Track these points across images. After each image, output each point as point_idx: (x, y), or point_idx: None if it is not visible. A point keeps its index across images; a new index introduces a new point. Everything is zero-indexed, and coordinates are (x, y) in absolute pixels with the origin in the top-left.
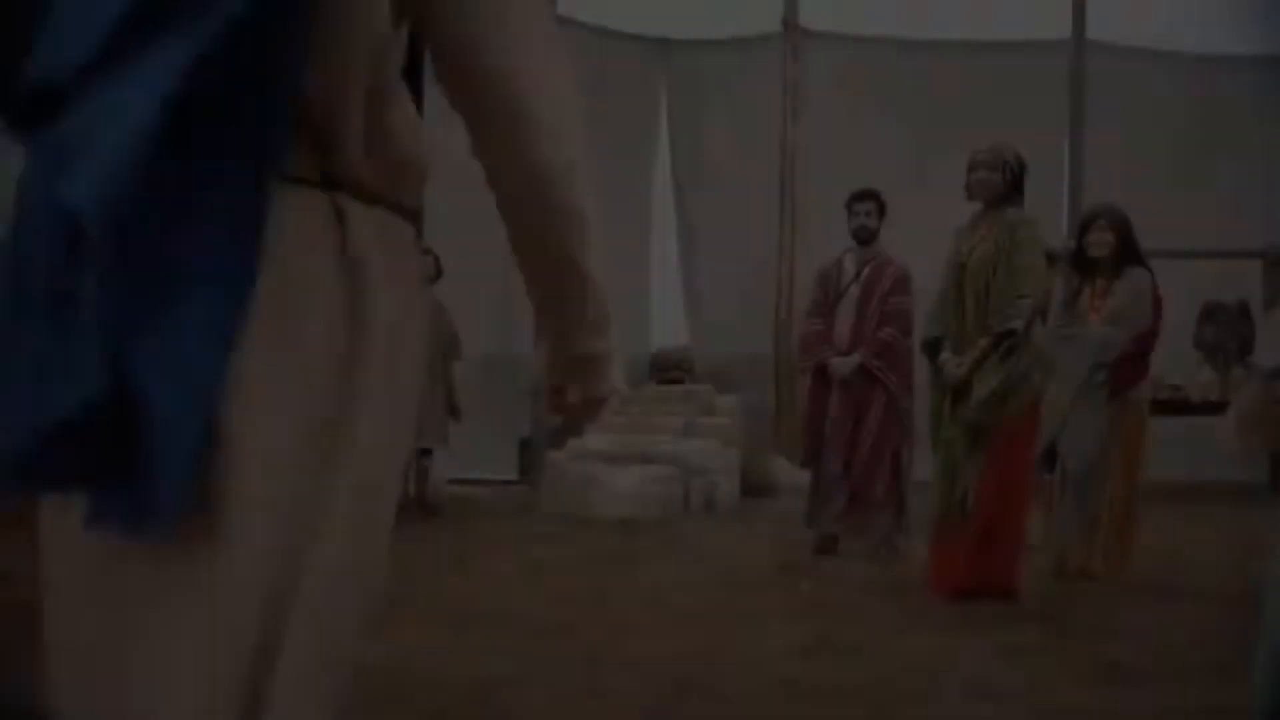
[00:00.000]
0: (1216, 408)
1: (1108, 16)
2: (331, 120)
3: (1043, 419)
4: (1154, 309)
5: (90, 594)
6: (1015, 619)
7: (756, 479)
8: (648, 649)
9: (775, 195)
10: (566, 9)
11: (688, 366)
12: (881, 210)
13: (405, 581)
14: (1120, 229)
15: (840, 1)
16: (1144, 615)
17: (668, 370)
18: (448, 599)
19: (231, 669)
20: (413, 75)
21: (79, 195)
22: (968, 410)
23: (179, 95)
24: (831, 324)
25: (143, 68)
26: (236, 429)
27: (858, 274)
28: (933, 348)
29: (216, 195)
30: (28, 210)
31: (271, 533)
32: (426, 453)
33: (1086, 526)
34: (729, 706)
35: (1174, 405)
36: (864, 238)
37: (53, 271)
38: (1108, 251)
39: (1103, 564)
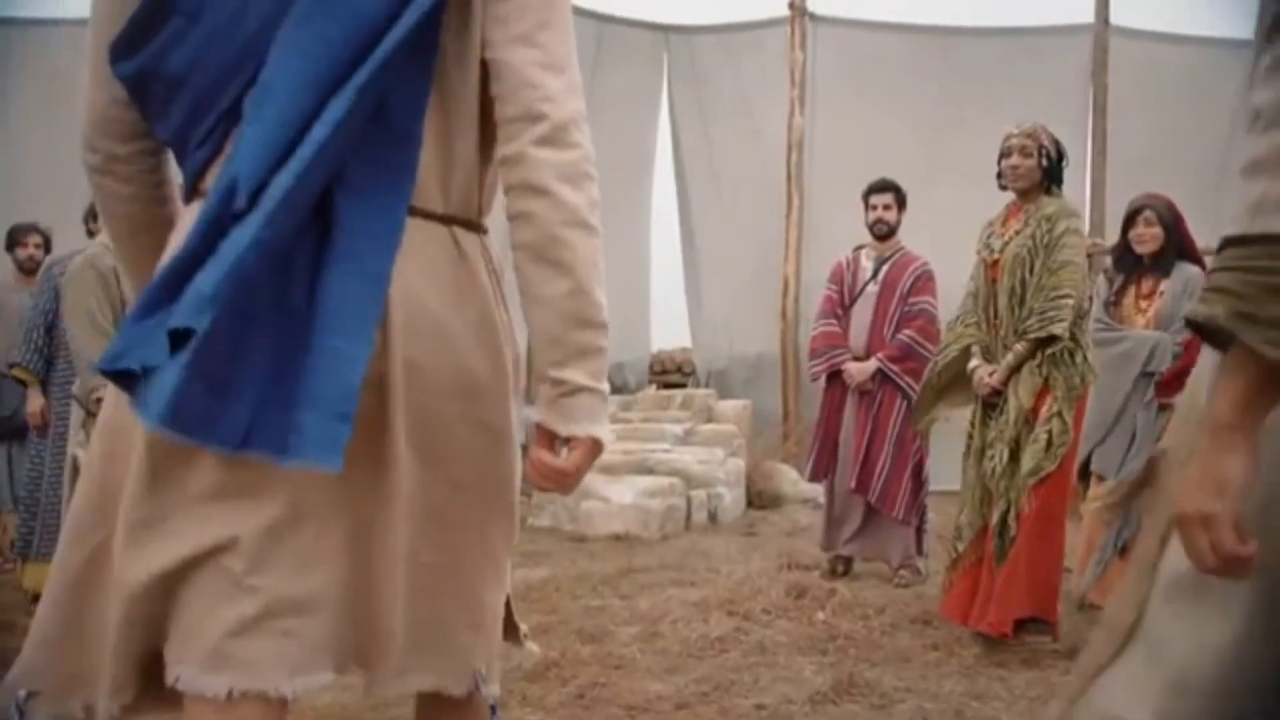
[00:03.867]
0: None
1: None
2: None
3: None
4: None
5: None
6: (1053, 656)
7: (762, 490)
8: (646, 691)
9: (781, 188)
10: None
11: (689, 369)
12: (901, 203)
13: None
14: (1168, 222)
15: None
16: None
17: (667, 373)
18: None
19: None
20: None
21: (246, 244)
22: (1004, 425)
23: (330, 144)
24: (847, 326)
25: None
26: None
27: (876, 272)
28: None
29: (360, 222)
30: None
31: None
32: None
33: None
34: None
35: None
36: (882, 233)
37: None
38: (1155, 247)
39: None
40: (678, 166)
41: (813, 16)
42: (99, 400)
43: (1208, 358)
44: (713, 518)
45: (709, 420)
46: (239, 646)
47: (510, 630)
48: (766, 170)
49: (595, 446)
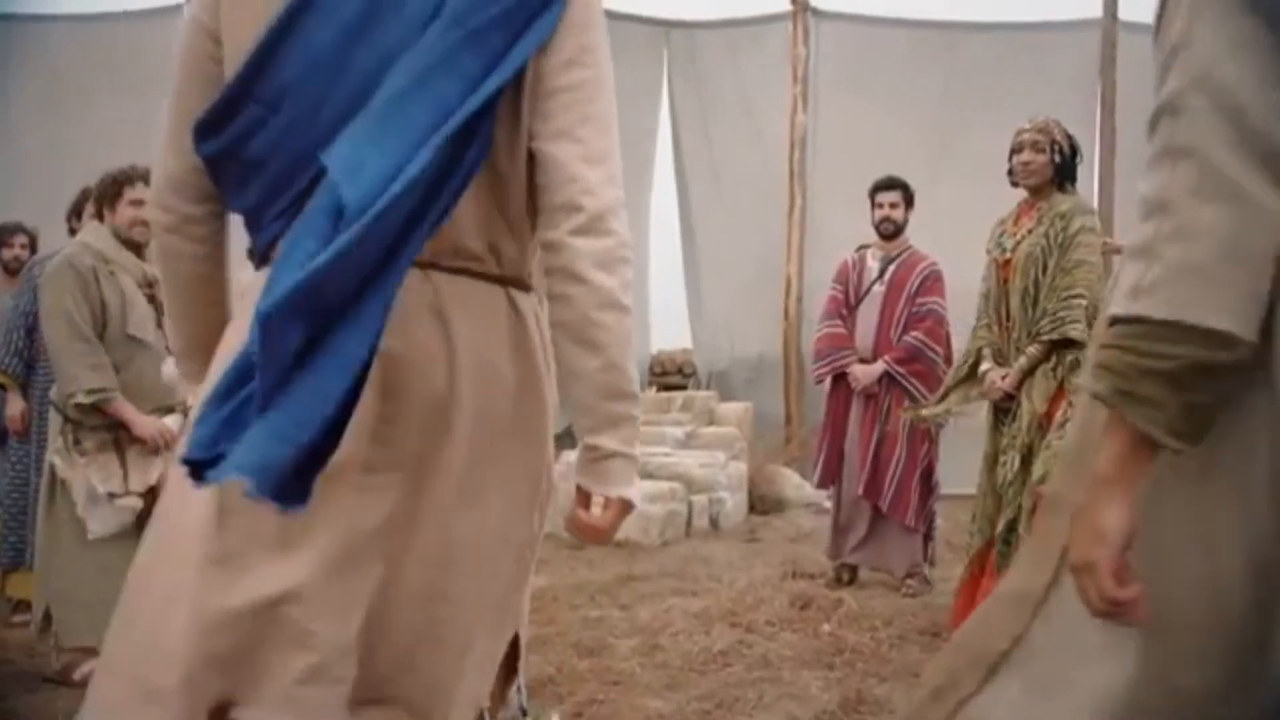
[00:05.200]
0: None
1: None
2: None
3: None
4: None
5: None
6: None
7: (765, 494)
8: (647, 709)
9: (783, 186)
10: None
11: (689, 371)
12: (908, 201)
13: None
14: None
15: None
16: None
17: (668, 374)
18: None
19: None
20: None
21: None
22: (1017, 431)
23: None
24: (852, 327)
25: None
26: None
27: (882, 271)
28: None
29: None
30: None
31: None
32: None
33: None
34: None
35: None
36: (888, 231)
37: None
38: None
39: None
40: (678, 164)
41: (815, 12)
42: (77, 406)
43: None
44: (714, 523)
45: (710, 423)
46: (306, 694)
47: (510, 671)
48: (768, 168)
49: (627, 506)
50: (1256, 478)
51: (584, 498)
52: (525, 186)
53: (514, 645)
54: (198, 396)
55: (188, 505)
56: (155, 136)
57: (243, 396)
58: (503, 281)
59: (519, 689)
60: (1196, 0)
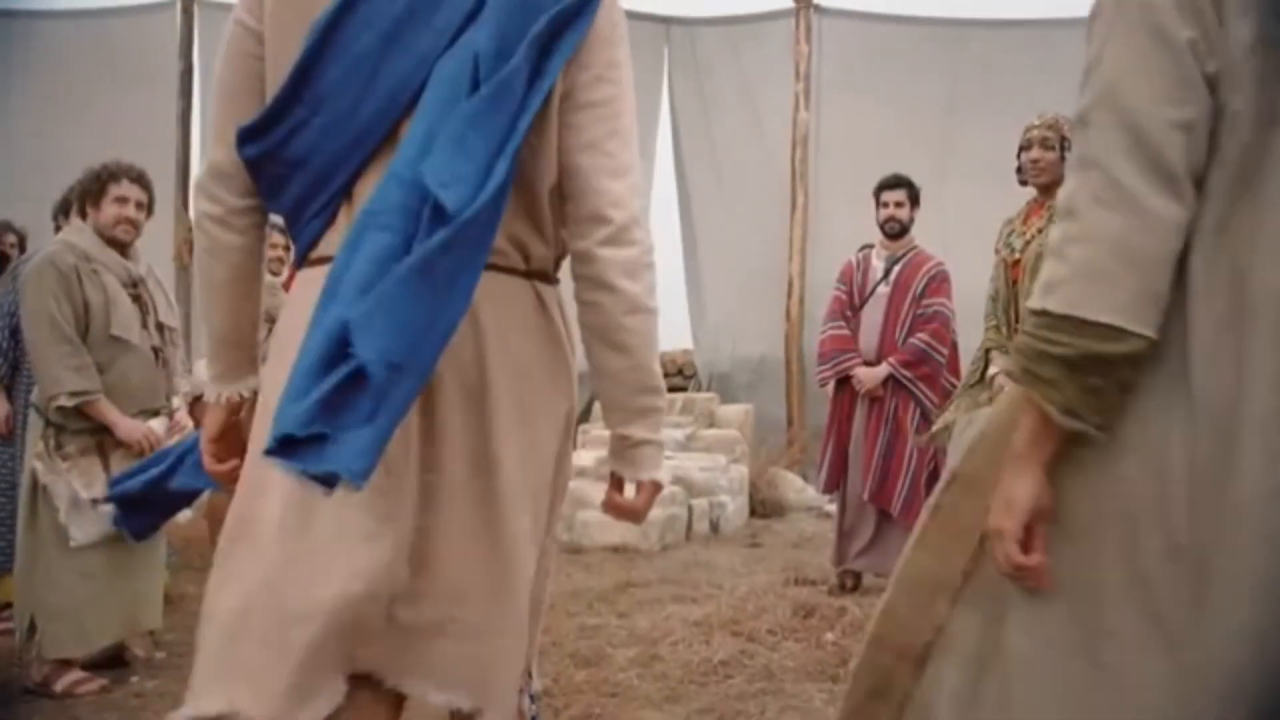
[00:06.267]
0: None
1: None
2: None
3: None
4: None
5: None
6: None
7: (766, 498)
8: None
9: (785, 185)
10: None
11: (689, 372)
12: (914, 200)
13: None
14: None
15: None
16: None
17: (668, 376)
18: None
19: None
20: None
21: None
22: None
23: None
24: (856, 328)
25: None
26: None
27: (887, 272)
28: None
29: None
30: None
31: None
32: None
33: None
34: None
35: None
36: (894, 231)
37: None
38: None
39: None
40: (678, 163)
41: (818, 8)
42: (59, 409)
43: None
44: (715, 527)
45: (711, 425)
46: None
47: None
48: (770, 167)
49: (657, 487)
50: (1172, 460)
51: (617, 482)
52: (551, 191)
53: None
54: (225, 397)
55: (269, 492)
56: (152, 131)
57: (336, 381)
58: (529, 275)
59: (531, 696)
60: (1111, 23)
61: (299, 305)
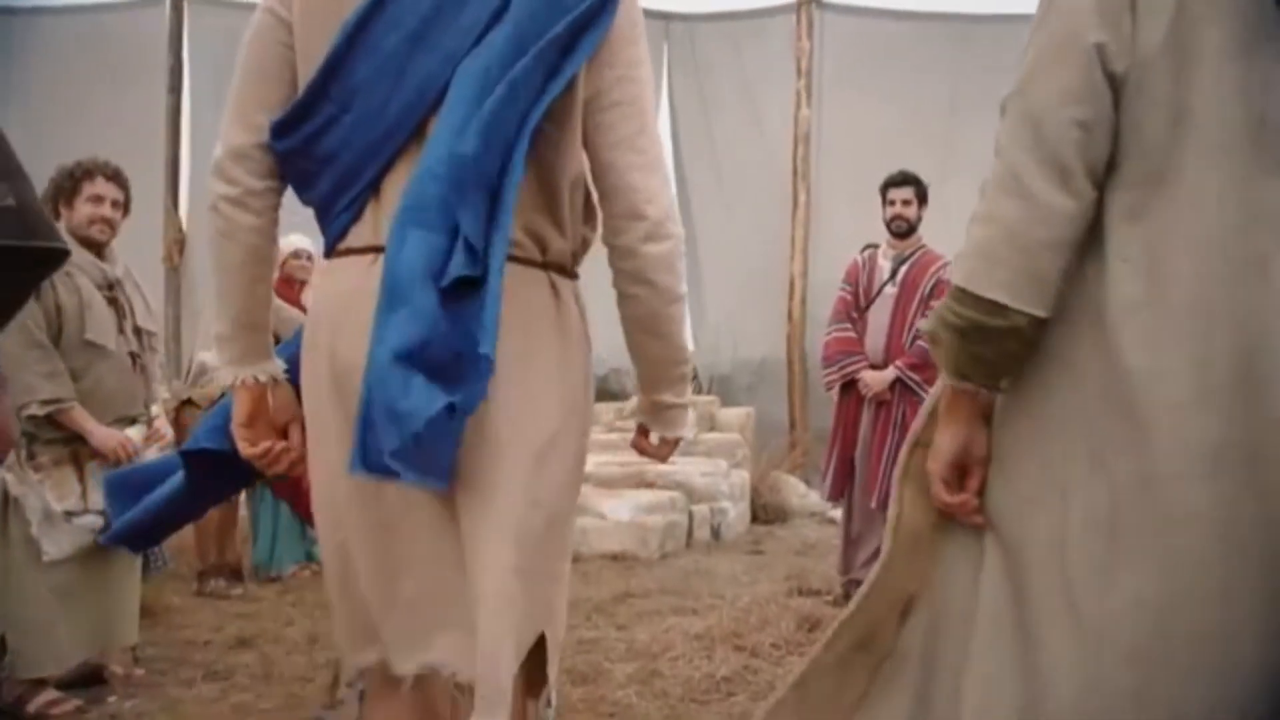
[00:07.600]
0: None
1: None
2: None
3: None
4: None
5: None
6: None
7: (768, 503)
8: None
9: (786, 183)
10: None
11: (690, 374)
12: (922, 198)
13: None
14: None
15: None
16: None
17: None
18: None
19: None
20: None
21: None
22: None
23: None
24: (862, 330)
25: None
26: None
27: (894, 272)
28: None
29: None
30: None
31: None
32: None
33: None
34: None
35: None
36: (901, 230)
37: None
38: None
39: None
40: (677, 161)
41: (820, 4)
42: (30, 418)
43: None
44: (716, 534)
45: (711, 429)
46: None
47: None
48: (771, 165)
49: (679, 440)
50: (1085, 433)
51: (645, 432)
52: (573, 187)
53: (541, 646)
54: (243, 380)
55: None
56: (145, 128)
57: (423, 367)
58: (545, 267)
59: (549, 702)
60: (1040, 21)
61: (330, 293)
